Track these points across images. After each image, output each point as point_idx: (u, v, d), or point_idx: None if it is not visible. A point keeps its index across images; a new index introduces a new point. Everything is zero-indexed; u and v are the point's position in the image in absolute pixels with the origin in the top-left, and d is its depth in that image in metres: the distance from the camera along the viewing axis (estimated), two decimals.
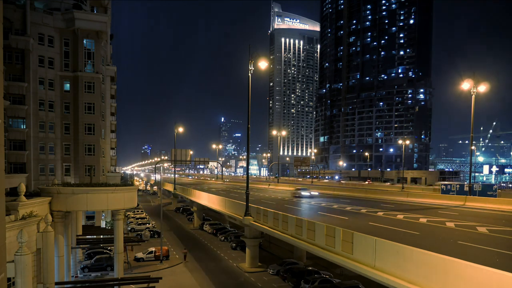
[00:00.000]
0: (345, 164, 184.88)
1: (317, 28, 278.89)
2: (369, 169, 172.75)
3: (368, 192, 58.49)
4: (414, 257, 15.54)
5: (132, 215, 73.08)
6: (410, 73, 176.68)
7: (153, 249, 44.78)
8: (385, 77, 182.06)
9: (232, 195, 55.43)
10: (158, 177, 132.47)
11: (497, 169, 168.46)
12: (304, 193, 53.53)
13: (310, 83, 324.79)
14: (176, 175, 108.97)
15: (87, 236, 42.82)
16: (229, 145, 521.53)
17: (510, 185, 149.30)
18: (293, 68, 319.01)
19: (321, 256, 23.37)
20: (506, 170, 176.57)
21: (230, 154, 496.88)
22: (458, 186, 50.70)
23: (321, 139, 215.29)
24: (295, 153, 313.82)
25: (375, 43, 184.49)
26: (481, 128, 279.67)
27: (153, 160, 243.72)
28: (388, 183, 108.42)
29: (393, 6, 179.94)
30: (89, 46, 46.59)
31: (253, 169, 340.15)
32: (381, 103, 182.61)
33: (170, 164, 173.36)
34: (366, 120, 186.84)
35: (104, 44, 49.98)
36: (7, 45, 39.90)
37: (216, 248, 51.72)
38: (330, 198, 53.23)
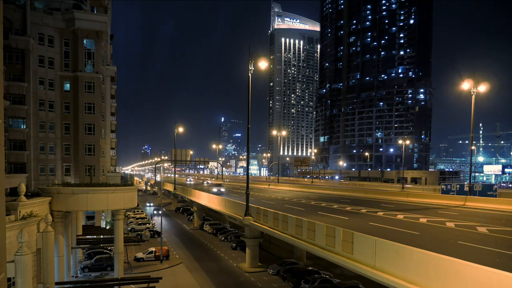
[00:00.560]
0: (345, 164, 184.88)
1: (317, 28, 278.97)
2: (369, 169, 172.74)
3: (368, 192, 58.47)
4: (414, 257, 15.54)
5: (132, 215, 73.08)
6: (410, 73, 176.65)
7: (153, 249, 44.78)
8: (385, 77, 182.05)
9: (232, 195, 55.46)
10: (158, 177, 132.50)
11: (502, 169, 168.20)
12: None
13: (310, 83, 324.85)
14: (176, 175, 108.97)
15: (87, 236, 42.83)
16: (229, 145, 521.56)
17: (510, 185, 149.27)
18: (293, 68, 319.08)
19: (321, 256, 23.38)
20: (506, 170, 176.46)
21: (230, 154, 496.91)
22: (458, 186, 50.68)
23: (321, 139, 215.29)
24: (295, 153, 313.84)
25: (375, 43, 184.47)
26: (481, 128, 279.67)
27: (153, 160, 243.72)
28: (389, 183, 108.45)
29: (393, 6, 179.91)
30: (89, 46, 46.62)
31: (253, 169, 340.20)
32: (381, 103, 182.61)
33: (170, 164, 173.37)
34: (366, 120, 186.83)
35: (104, 44, 50.01)
36: (7, 45, 39.93)
37: (216, 248, 51.73)
38: (327, 198, 53.26)
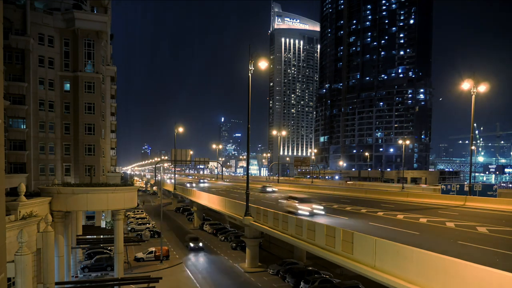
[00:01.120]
0: (345, 164, 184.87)
1: (317, 28, 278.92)
2: (369, 169, 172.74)
3: (368, 192, 58.46)
4: (414, 257, 15.55)
5: (132, 215, 73.09)
6: (410, 73, 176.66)
7: (153, 249, 44.78)
8: (385, 77, 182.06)
9: (232, 195, 55.45)
10: (158, 177, 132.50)
11: (502, 169, 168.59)
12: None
13: (310, 83, 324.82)
14: (176, 175, 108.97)
15: (87, 236, 42.84)
16: (229, 145, 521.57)
17: (510, 185, 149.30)
18: (293, 68, 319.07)
19: (321, 256, 23.38)
20: (506, 170, 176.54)
21: (230, 154, 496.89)
22: (458, 186, 50.69)
23: (321, 139, 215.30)
24: (295, 153, 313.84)
25: (375, 43, 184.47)
26: (481, 128, 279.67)
27: (153, 160, 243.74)
28: (389, 183, 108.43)
29: (393, 6, 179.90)
30: (89, 46, 46.60)
31: (253, 169, 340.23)
32: (381, 103, 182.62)
33: (170, 164, 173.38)
34: (366, 120, 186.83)
35: (104, 44, 50.00)
36: (7, 45, 39.91)
37: (216, 248, 51.73)
38: (325, 198, 53.26)
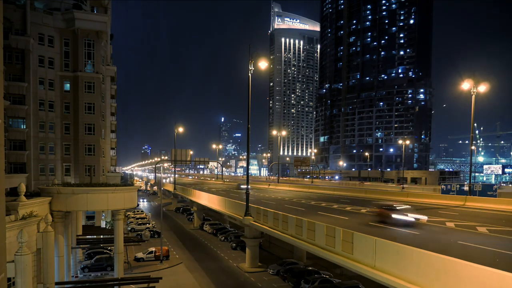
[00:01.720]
0: (345, 164, 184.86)
1: (317, 28, 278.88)
2: (369, 169, 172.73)
3: (368, 192, 58.47)
4: (414, 257, 15.55)
5: (132, 215, 73.09)
6: (410, 73, 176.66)
7: (153, 249, 44.78)
8: (385, 77, 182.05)
9: (232, 195, 55.45)
10: (158, 177, 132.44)
11: (502, 169, 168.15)
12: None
13: (310, 83, 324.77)
14: (176, 175, 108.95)
15: (87, 236, 42.84)
16: (229, 145, 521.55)
17: (510, 185, 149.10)
18: (293, 68, 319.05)
19: (321, 256, 23.38)
20: (506, 170, 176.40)
21: (230, 154, 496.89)
22: (458, 186, 50.68)
23: (321, 139, 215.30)
24: (295, 153, 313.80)
25: (375, 43, 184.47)
26: (481, 128, 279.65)
27: (153, 160, 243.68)
28: (389, 183, 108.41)
29: (393, 6, 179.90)
30: (89, 46, 46.59)
31: (253, 169, 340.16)
32: (381, 103, 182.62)
33: (170, 164, 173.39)
34: (366, 120, 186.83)
35: (104, 44, 49.99)
36: (7, 45, 39.91)
37: (216, 248, 51.73)
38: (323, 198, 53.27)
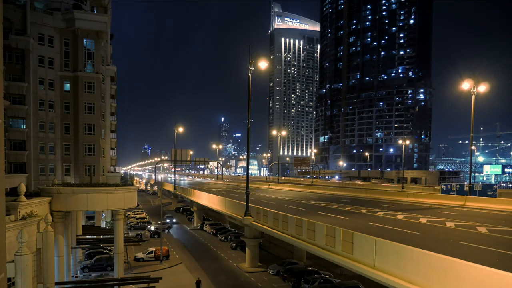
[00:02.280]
0: (345, 164, 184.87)
1: (317, 28, 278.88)
2: (369, 169, 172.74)
3: (368, 192, 58.49)
4: (414, 257, 15.55)
5: (132, 215, 73.07)
6: (410, 73, 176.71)
7: (153, 249, 44.77)
8: (385, 77, 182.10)
9: (232, 195, 55.45)
10: (158, 177, 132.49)
11: (502, 169, 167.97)
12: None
13: (310, 83, 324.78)
14: (176, 175, 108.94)
15: (87, 236, 42.82)
16: (229, 145, 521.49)
17: (510, 185, 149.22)
18: (293, 68, 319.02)
19: (321, 256, 23.38)
20: (506, 170, 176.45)
21: (230, 154, 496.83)
22: (458, 186, 50.69)
23: (321, 139, 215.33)
24: (295, 153, 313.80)
25: (375, 43, 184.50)
26: (481, 128, 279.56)
27: (153, 160, 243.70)
28: (389, 183, 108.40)
29: (393, 6, 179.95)
30: (89, 46, 46.59)
31: (253, 169, 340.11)
32: (381, 103, 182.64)
33: (170, 164, 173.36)
34: (366, 120, 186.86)
35: (104, 44, 49.99)
36: (7, 45, 39.89)
37: (216, 248, 51.72)
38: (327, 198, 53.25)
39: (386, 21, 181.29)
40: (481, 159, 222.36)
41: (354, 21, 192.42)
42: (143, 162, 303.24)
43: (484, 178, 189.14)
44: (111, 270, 35.45)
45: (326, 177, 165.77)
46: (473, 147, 56.09)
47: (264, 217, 32.52)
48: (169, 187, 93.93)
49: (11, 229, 19.20)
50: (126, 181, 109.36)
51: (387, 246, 17.27)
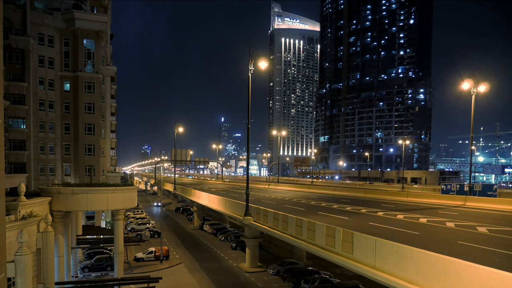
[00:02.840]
0: (345, 164, 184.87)
1: (317, 28, 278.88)
2: (369, 169, 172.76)
3: (368, 192, 58.47)
4: (414, 257, 15.55)
5: (132, 215, 73.07)
6: (410, 73, 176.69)
7: (153, 249, 44.76)
8: (385, 77, 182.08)
9: (232, 195, 55.44)
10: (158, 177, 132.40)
11: (502, 169, 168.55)
12: None
13: (310, 83, 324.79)
14: (176, 175, 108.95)
15: (87, 236, 42.82)
16: (229, 145, 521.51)
17: (510, 185, 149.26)
18: (293, 68, 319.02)
19: (321, 256, 23.38)
20: (506, 170, 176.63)
21: (230, 154, 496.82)
22: (458, 186, 50.68)
23: (321, 139, 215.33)
24: (295, 153, 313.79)
25: (375, 43, 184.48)
26: (481, 128, 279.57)
27: (153, 160, 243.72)
28: (389, 183, 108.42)
29: (393, 6, 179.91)
30: (89, 46, 46.61)
31: (253, 169, 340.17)
32: (381, 103, 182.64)
33: (170, 164, 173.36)
34: (366, 120, 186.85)
35: (104, 44, 50.00)
36: (7, 45, 39.91)
37: (216, 248, 51.71)
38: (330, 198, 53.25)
39: (386, 21, 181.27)
40: (481, 159, 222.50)
41: (354, 21, 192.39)
42: (143, 162, 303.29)
43: (484, 178, 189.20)
44: (111, 270, 35.46)
45: (326, 177, 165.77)
46: (473, 147, 56.08)
47: (264, 217, 32.52)
48: (169, 187, 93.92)
49: (11, 229, 19.20)
50: (126, 181, 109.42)
51: (387, 246, 17.26)
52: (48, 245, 22.33)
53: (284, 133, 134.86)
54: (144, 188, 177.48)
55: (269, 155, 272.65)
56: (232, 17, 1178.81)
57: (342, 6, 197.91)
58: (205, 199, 55.71)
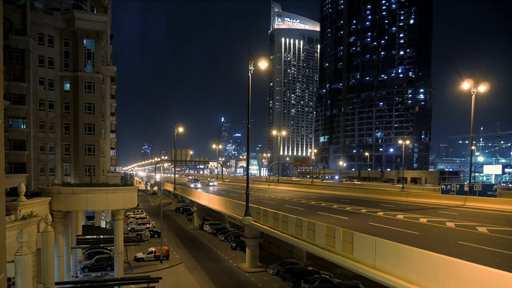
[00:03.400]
0: (345, 164, 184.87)
1: (317, 28, 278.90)
2: (369, 169, 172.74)
3: (368, 192, 58.47)
4: (414, 257, 15.55)
5: (132, 215, 73.08)
6: (410, 73, 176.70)
7: (153, 249, 44.77)
8: (385, 77, 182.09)
9: (232, 195, 55.45)
10: (158, 177, 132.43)
11: (502, 169, 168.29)
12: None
13: (310, 83, 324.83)
14: (176, 175, 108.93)
15: (87, 236, 42.82)
16: (229, 145, 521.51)
17: (510, 185, 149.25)
18: (293, 68, 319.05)
19: (321, 256, 23.38)
20: (506, 170, 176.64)
21: (230, 154, 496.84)
22: (458, 186, 50.67)
23: (321, 139, 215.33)
24: (295, 153, 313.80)
25: (375, 43, 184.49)
26: (481, 128, 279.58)
27: (153, 160, 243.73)
28: (389, 183, 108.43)
29: (393, 6, 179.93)
30: (89, 46, 46.61)
31: (253, 169, 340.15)
32: (381, 103, 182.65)
33: (170, 164, 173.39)
34: (366, 120, 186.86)
35: (104, 44, 50.00)
36: (7, 45, 39.91)
37: (216, 248, 51.72)
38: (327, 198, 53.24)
39: (386, 21, 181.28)
40: (481, 159, 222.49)
41: (354, 21, 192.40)
42: (143, 162, 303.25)
43: (484, 178, 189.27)
44: (111, 270, 35.45)
45: (326, 177, 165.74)
46: (473, 147, 56.10)
47: (264, 217, 32.52)
48: (169, 187, 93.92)
49: (11, 229, 19.20)
50: (126, 181, 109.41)
51: (387, 246, 17.27)
52: (48, 245, 22.33)
53: (284, 133, 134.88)
54: (144, 188, 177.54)
55: (269, 155, 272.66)
56: (232, 17, 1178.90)
57: (342, 6, 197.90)
58: (205, 199, 55.72)
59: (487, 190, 47.19)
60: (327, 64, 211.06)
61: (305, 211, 36.42)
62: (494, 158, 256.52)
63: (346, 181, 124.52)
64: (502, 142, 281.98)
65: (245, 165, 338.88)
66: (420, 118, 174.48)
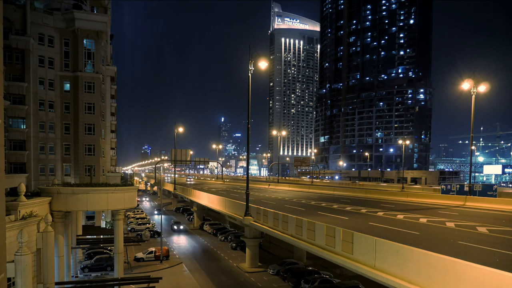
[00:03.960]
0: (345, 164, 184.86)
1: (317, 28, 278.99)
2: (369, 169, 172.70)
3: (368, 192, 58.46)
4: (414, 257, 15.55)
5: (132, 215, 73.08)
6: (410, 73, 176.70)
7: (153, 249, 44.79)
8: (385, 77, 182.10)
9: (232, 195, 55.44)
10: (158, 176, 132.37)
11: (502, 169, 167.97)
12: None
13: (310, 83, 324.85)
14: (176, 175, 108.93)
15: (87, 236, 42.81)
16: (229, 145, 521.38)
17: (510, 185, 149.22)
18: (293, 68, 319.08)
19: (321, 256, 23.38)
20: (506, 170, 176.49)
21: (230, 154, 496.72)
22: (458, 186, 50.66)
23: (321, 139, 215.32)
24: (295, 153, 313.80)
25: (375, 43, 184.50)
26: (481, 128, 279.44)
27: (153, 160, 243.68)
28: (389, 183, 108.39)
29: (393, 6, 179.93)
30: (89, 46, 46.57)
31: (253, 169, 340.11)
32: (381, 103, 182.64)
33: (170, 164, 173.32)
34: (366, 120, 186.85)
35: (104, 44, 49.97)
36: (7, 45, 39.88)
37: (216, 248, 51.72)
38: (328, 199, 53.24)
39: (386, 21, 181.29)
40: (481, 159, 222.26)
41: (354, 21, 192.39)
42: (143, 162, 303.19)
43: (484, 178, 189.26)
44: (111, 270, 35.45)
45: (326, 177, 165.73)
46: (473, 147, 56.04)
47: (264, 217, 32.52)
48: (169, 187, 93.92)
49: (11, 229, 19.20)
50: (126, 181, 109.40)
51: (387, 246, 17.27)
52: (48, 245, 22.33)
53: (284, 133, 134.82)
54: (144, 188, 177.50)
55: (269, 155, 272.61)
56: (232, 17, 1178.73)
57: (342, 6, 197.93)
58: (205, 199, 55.72)
59: (487, 190, 47.17)
60: (327, 64, 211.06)
61: (305, 211, 36.41)
62: (494, 158, 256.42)
63: (351, 181, 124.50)
64: (502, 142, 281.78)
65: (245, 165, 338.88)
66: (420, 118, 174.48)
